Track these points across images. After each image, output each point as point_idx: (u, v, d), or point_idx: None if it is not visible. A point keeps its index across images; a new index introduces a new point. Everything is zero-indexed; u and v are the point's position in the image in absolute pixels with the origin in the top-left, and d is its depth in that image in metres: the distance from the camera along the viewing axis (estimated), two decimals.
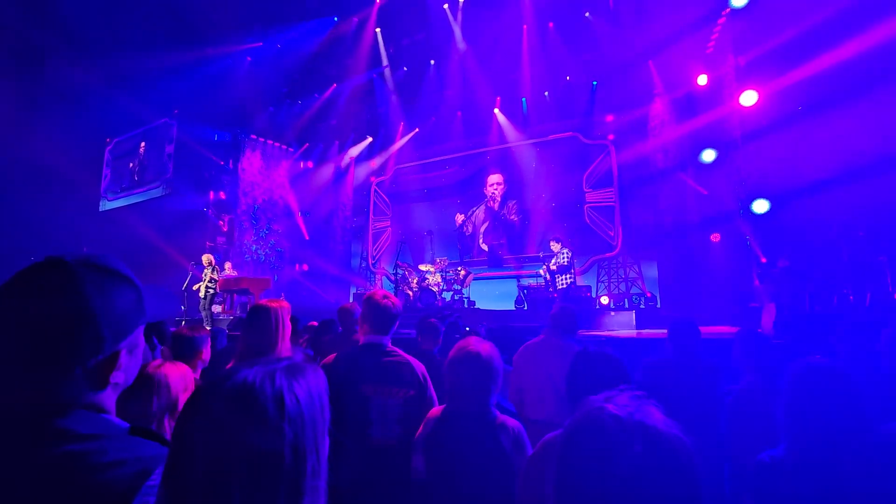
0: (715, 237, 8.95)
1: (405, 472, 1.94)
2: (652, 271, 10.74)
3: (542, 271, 9.47)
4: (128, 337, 0.78)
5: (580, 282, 10.83)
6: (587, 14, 10.15)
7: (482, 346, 1.82)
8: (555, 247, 9.30)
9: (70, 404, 0.72)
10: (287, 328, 2.32)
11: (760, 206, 7.59)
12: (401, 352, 2.18)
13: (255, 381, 0.62)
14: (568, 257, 9.04)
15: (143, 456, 0.70)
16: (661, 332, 6.65)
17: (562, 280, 8.98)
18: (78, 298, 0.72)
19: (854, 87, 6.87)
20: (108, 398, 0.78)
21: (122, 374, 0.78)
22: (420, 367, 2.15)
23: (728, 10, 8.49)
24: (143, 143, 13.64)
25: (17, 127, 12.16)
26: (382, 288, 13.76)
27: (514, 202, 12.87)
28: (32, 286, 0.72)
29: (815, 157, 7.05)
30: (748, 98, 7.82)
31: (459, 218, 13.59)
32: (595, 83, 11.44)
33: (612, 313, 8.75)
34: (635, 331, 7.99)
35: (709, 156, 9.43)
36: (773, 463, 1.43)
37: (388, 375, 2.07)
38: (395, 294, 9.34)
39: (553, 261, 9.23)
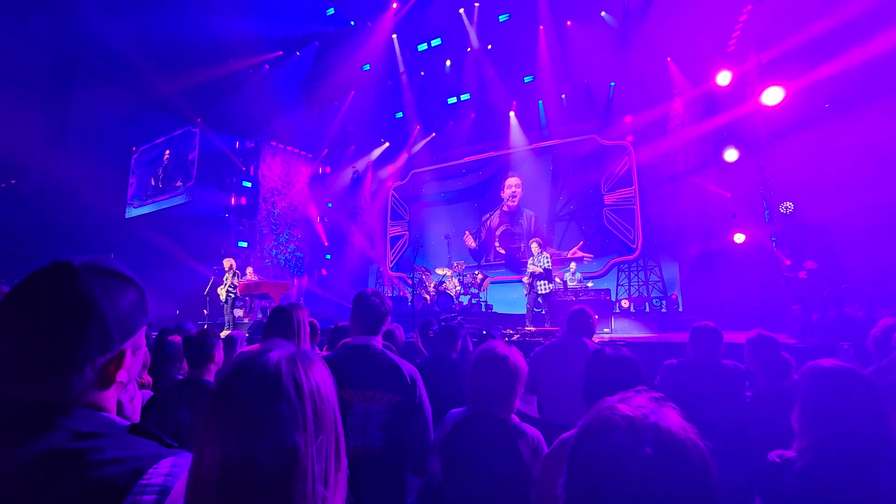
0: (739, 238, 8.74)
1: (390, 481, 1.86)
2: (673, 274, 10.55)
3: (525, 279, 8.53)
4: (132, 336, 0.80)
5: (599, 285, 10.71)
6: (603, 13, 10.05)
7: (508, 350, 1.76)
8: (534, 248, 8.38)
9: (74, 403, 0.74)
10: (306, 331, 2.36)
11: (785, 207, 7.39)
12: (390, 353, 2.04)
13: (280, 364, 0.71)
14: (548, 261, 8.18)
15: (140, 455, 0.71)
16: (683, 335, 6.51)
17: (543, 286, 8.12)
18: (87, 299, 0.74)
19: (884, 83, 6.66)
20: (111, 397, 0.80)
21: (126, 373, 0.80)
22: (410, 369, 2.01)
23: (750, 6, 8.31)
24: (167, 152, 14.01)
25: (48, 138, 12.63)
26: (404, 290, 13.84)
27: (531, 206, 12.81)
28: (42, 288, 0.75)
29: (843, 155, 6.85)
30: (772, 96, 7.62)
31: (469, 240, 13.57)
32: (613, 84, 11.33)
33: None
34: (656, 334, 7.86)
35: (731, 155, 9.24)
36: (783, 463, 1.42)
37: (372, 379, 1.91)
38: (413, 298, 9.36)
39: (531, 261, 8.39)
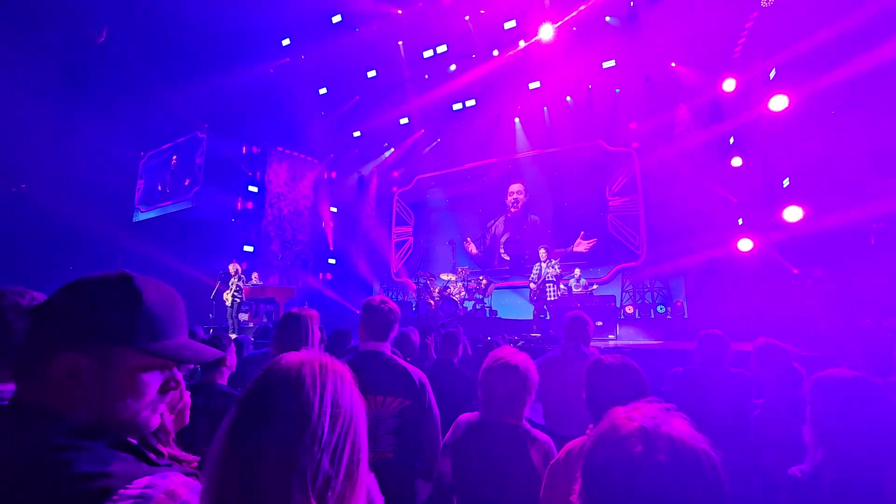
0: (745, 245, 8.70)
1: (401, 486, 1.86)
2: (678, 281, 10.50)
3: (532, 285, 8.67)
4: (87, 344, 0.75)
5: (603, 291, 10.68)
6: (608, 18, 10.00)
7: (519, 357, 1.79)
8: (542, 254, 8.44)
9: (54, 407, 0.70)
10: (316, 336, 2.38)
11: (793, 213, 7.33)
12: (399, 359, 2.07)
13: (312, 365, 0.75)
14: (558, 267, 8.24)
15: (113, 472, 0.66)
16: (689, 343, 6.48)
17: (552, 291, 8.18)
18: (59, 297, 0.74)
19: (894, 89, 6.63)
20: (100, 405, 0.76)
21: (81, 390, 0.74)
22: (419, 374, 2.04)
23: (756, 13, 8.33)
24: (174, 157, 14.14)
25: (58, 142, 12.79)
26: (408, 295, 13.85)
27: (536, 212, 12.82)
28: (71, 287, 0.76)
29: (852, 162, 6.82)
30: (778, 103, 7.62)
31: (471, 246, 13.68)
32: (618, 90, 11.34)
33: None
34: (662, 341, 7.83)
35: (737, 162, 9.23)
36: (804, 478, 1.39)
37: (382, 385, 1.93)
38: (418, 303, 9.37)
39: (535, 268, 8.46)
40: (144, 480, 0.66)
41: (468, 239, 13.73)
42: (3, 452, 0.65)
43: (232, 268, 9.86)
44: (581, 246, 11.83)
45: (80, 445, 0.67)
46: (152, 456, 0.74)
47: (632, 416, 0.67)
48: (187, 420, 1.61)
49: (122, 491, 0.64)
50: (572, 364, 2.73)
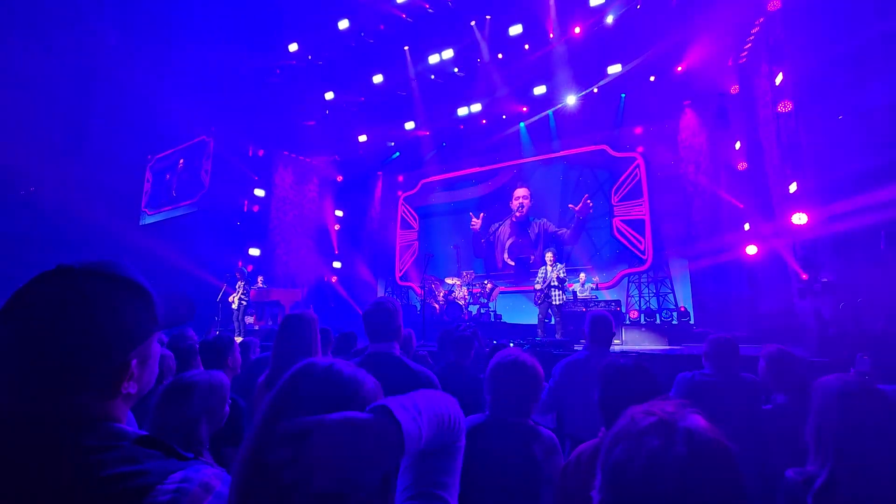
0: (751, 250, 8.65)
1: None
2: (684, 285, 10.45)
3: (536, 286, 8.58)
4: (138, 346, 0.76)
5: (608, 296, 10.64)
6: (610, 18, 9.88)
7: (527, 356, 1.82)
8: (548, 258, 8.40)
9: (77, 414, 0.69)
10: (317, 337, 2.37)
11: (800, 219, 7.29)
12: (408, 360, 2.07)
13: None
14: (563, 271, 8.21)
15: (148, 470, 0.66)
16: (695, 347, 6.44)
17: (557, 296, 8.15)
18: (85, 307, 0.70)
19: None
20: (120, 408, 0.75)
21: (135, 385, 0.76)
22: (429, 375, 2.04)
23: (763, 18, 8.31)
24: (181, 160, 14.25)
25: (66, 146, 12.93)
26: (412, 299, 13.85)
27: (541, 216, 12.81)
28: (41, 294, 0.71)
29: (858, 166, 6.77)
30: (783, 109, 7.60)
31: (476, 222, 13.73)
32: (623, 95, 11.34)
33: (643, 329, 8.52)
34: (667, 346, 7.78)
35: (743, 166, 9.20)
36: (804, 482, 1.39)
37: (393, 384, 1.85)
38: (422, 307, 9.38)
39: (540, 271, 8.44)
40: (179, 475, 0.67)
41: (470, 213, 13.80)
42: (33, 461, 0.63)
43: (237, 272, 9.92)
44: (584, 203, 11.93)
45: (108, 445, 0.67)
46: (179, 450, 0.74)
47: (651, 410, 0.68)
48: (222, 422, 1.66)
49: (159, 487, 0.64)
50: (594, 367, 2.71)
